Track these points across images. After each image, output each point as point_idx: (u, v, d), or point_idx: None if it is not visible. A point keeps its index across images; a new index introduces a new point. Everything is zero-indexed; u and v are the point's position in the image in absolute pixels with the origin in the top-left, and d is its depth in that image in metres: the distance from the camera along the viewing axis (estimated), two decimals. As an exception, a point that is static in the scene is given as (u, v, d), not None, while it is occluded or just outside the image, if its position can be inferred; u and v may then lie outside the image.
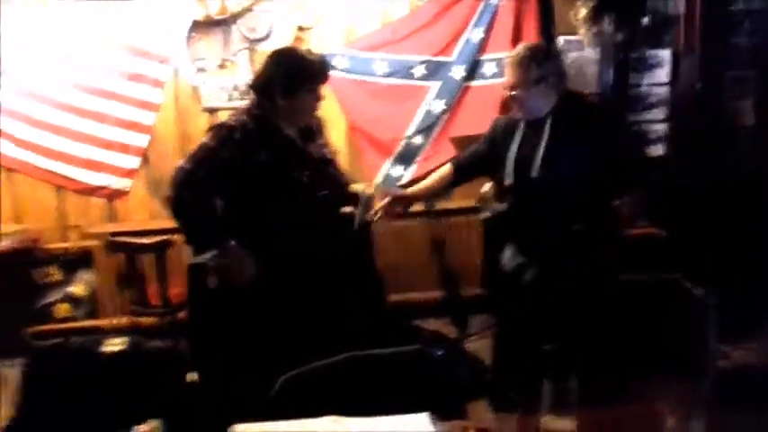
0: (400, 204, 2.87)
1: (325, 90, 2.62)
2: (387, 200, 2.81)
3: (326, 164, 2.63)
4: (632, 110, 4.20)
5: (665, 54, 4.30)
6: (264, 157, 2.42)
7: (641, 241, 3.69)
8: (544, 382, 1.54)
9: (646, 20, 4.34)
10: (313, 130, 2.63)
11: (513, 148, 2.64)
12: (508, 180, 2.65)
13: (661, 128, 4.33)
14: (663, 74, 4.31)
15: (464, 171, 2.85)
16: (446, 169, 2.92)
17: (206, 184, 2.40)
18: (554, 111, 2.56)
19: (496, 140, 2.74)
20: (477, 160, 2.81)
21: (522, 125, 2.64)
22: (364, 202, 2.63)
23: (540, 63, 2.53)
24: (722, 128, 4.47)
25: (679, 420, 1.49)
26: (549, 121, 2.56)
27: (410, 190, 3.00)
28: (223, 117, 4.26)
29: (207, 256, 2.47)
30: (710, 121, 4.41)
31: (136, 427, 1.44)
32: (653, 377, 2.50)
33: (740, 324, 3.91)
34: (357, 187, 2.73)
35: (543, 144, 2.54)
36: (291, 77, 2.44)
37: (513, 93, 2.56)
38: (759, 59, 4.43)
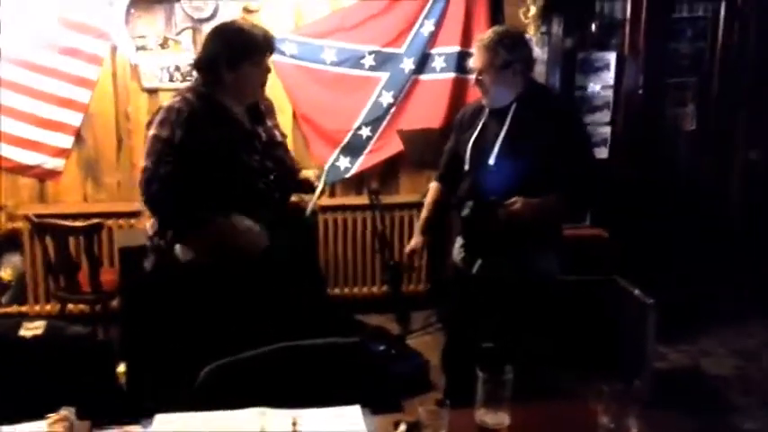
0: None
1: (272, 75, 2.58)
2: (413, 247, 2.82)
3: (275, 147, 2.58)
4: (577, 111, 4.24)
5: (611, 57, 4.36)
6: (212, 136, 2.36)
7: (584, 242, 3.73)
8: (479, 375, 1.50)
9: (593, 23, 4.40)
10: (262, 112, 2.58)
11: (474, 134, 2.62)
12: (465, 166, 2.62)
13: (605, 130, 4.38)
14: (608, 77, 4.37)
15: (449, 177, 2.79)
16: (434, 189, 2.88)
17: (171, 176, 2.32)
18: (518, 100, 2.55)
19: (462, 129, 2.72)
20: (453, 159, 2.75)
21: (485, 113, 2.62)
22: (318, 189, 2.59)
23: (508, 48, 2.51)
24: (664, 131, 4.57)
25: (613, 418, 1.47)
26: (511, 111, 2.54)
27: (417, 233, 2.90)
28: (164, 97, 4.22)
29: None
30: (653, 125, 4.51)
31: (48, 415, 1.34)
32: (590, 375, 2.52)
33: (679, 326, 4.02)
34: (308, 173, 2.68)
35: (503, 133, 2.52)
36: (236, 50, 2.40)
37: (480, 77, 2.54)
38: (700, 66, 4.55)
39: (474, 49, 2.59)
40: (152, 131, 2.36)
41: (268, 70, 2.52)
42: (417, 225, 2.92)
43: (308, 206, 2.59)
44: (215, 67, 2.41)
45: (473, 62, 2.58)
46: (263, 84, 2.52)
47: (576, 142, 2.57)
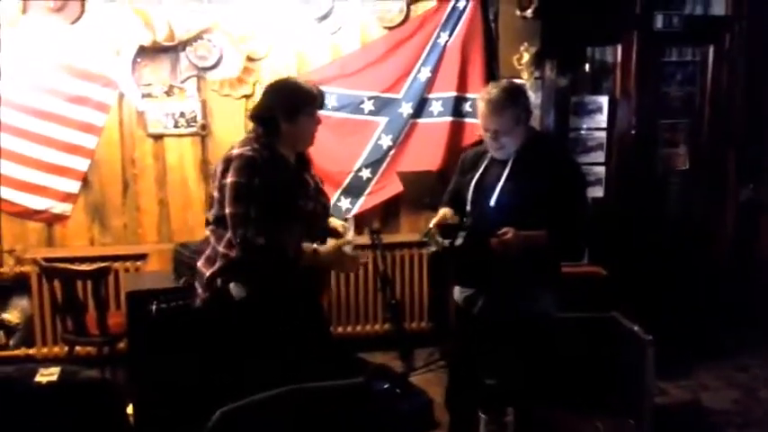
0: None
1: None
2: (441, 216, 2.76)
3: (320, 193, 2.75)
4: (572, 152, 4.34)
5: (604, 100, 4.49)
6: (276, 184, 2.51)
7: (582, 280, 3.79)
8: (480, 415, 1.57)
9: (586, 67, 4.54)
10: (306, 160, 2.76)
11: (476, 177, 2.71)
12: (467, 206, 2.71)
13: (600, 170, 4.49)
14: (601, 119, 4.49)
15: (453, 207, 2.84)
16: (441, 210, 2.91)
17: (262, 219, 2.46)
18: (521, 147, 2.65)
19: (464, 171, 2.81)
20: (453, 199, 2.83)
21: (487, 157, 2.72)
22: (347, 239, 2.73)
23: (517, 102, 2.61)
24: (657, 172, 4.67)
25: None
26: (513, 157, 2.64)
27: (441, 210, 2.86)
28: (169, 143, 4.33)
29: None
30: (646, 165, 4.61)
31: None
32: (590, 412, 2.57)
33: (678, 361, 4.07)
34: (336, 222, 2.84)
35: (505, 176, 2.62)
36: (293, 103, 2.59)
37: (494, 135, 2.60)
38: (690, 108, 4.67)
39: (483, 110, 2.63)
40: (231, 179, 2.47)
41: (319, 121, 2.69)
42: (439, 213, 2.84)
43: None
44: (273, 119, 2.58)
45: (485, 122, 2.63)
46: (314, 134, 2.68)
47: (570, 187, 2.67)
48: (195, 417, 1.88)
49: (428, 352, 4.40)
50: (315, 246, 2.55)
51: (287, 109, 2.58)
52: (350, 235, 2.75)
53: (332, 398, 1.99)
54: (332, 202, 4.47)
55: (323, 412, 1.93)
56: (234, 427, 1.82)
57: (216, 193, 2.58)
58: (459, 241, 2.62)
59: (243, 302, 2.53)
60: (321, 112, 4.48)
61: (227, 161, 2.53)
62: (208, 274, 2.58)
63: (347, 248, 2.64)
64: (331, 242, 2.64)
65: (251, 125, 4.39)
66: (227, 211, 2.47)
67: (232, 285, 2.54)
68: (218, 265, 2.56)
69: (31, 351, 4.24)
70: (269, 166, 2.51)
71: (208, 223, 2.68)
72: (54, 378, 2.02)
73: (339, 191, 4.49)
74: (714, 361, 4.29)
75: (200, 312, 2.64)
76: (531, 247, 2.53)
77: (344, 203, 4.50)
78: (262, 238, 2.44)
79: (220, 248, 2.56)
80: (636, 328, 2.88)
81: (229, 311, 2.54)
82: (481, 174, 2.72)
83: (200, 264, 2.65)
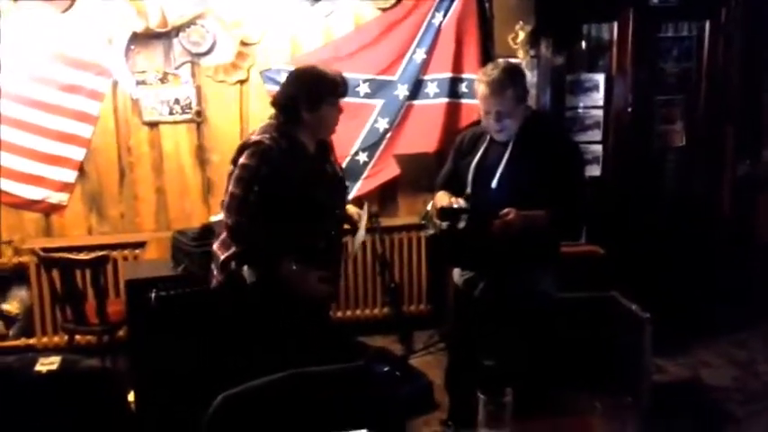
0: None
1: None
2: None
3: (339, 182, 2.74)
4: (569, 131, 4.33)
5: (600, 78, 4.47)
6: (292, 173, 2.51)
7: (580, 259, 3.80)
8: (479, 396, 1.57)
9: (582, 45, 4.51)
10: (328, 148, 2.74)
11: (476, 158, 2.70)
12: (467, 189, 2.70)
13: (597, 149, 4.48)
14: (598, 97, 4.47)
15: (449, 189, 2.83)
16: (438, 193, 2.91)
17: (256, 207, 2.47)
18: (521, 127, 2.63)
19: (462, 154, 2.79)
20: (450, 181, 2.82)
21: (486, 138, 2.70)
22: (360, 231, 2.77)
23: (518, 82, 2.59)
24: (654, 149, 4.66)
25: (614, 432, 1.54)
26: (513, 138, 2.63)
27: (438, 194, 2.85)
28: (165, 130, 4.31)
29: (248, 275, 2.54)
30: (643, 143, 4.60)
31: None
32: (589, 391, 2.58)
33: (677, 339, 4.08)
34: (351, 210, 2.84)
35: (506, 157, 2.61)
36: (316, 92, 2.57)
37: (499, 119, 2.58)
38: (687, 84, 4.65)
39: (484, 92, 2.59)
40: (241, 161, 2.49)
41: (341, 110, 2.66)
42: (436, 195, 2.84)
43: (352, 246, 2.75)
44: (295, 107, 2.56)
45: (486, 105, 2.60)
46: (336, 122, 2.66)
47: (571, 169, 2.66)
48: (196, 403, 1.89)
49: (427, 334, 4.42)
50: (293, 265, 2.51)
51: (309, 98, 2.56)
52: (362, 223, 2.76)
53: (332, 382, 1.99)
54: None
55: (323, 396, 1.93)
56: (235, 412, 1.83)
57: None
58: (462, 224, 2.62)
59: (253, 286, 2.55)
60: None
61: (244, 147, 2.54)
62: (223, 257, 2.59)
63: (357, 239, 2.67)
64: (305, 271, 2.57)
65: (246, 111, 4.44)
66: (229, 189, 2.49)
67: (245, 269, 2.55)
68: (233, 248, 2.57)
69: (32, 341, 4.26)
70: (286, 156, 2.51)
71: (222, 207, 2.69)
72: (54, 367, 2.03)
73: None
74: (712, 338, 4.30)
75: (213, 295, 2.65)
76: (532, 227, 2.53)
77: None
78: (252, 228, 2.45)
79: None
80: (634, 306, 2.89)
81: (241, 295, 2.56)
82: (481, 156, 2.70)
83: (215, 247, 2.68)
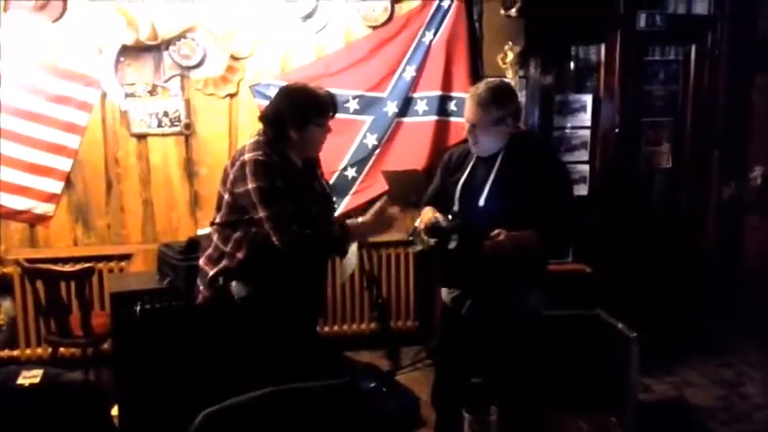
0: None
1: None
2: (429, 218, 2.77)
3: (327, 199, 2.75)
4: (556, 151, 4.36)
5: (587, 99, 4.51)
6: (287, 186, 2.50)
7: (566, 277, 3.81)
8: (464, 415, 1.57)
9: (570, 65, 4.56)
10: (314, 164, 2.74)
11: (464, 176, 2.70)
12: (455, 207, 2.70)
13: (584, 168, 4.51)
14: (585, 118, 4.52)
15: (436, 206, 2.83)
16: (424, 209, 2.92)
17: (295, 215, 2.48)
18: (507, 147, 2.64)
19: (450, 171, 2.80)
20: (437, 198, 2.82)
21: (473, 157, 2.71)
22: (353, 255, 2.76)
23: (501, 105, 2.59)
24: (640, 170, 4.71)
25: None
26: (500, 155, 2.63)
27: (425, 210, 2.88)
28: (153, 142, 4.30)
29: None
30: (629, 163, 4.64)
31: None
32: (575, 410, 2.58)
33: (663, 358, 4.10)
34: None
35: (493, 175, 2.61)
36: (303, 112, 2.55)
37: (473, 130, 2.62)
38: (673, 107, 4.71)
39: (467, 102, 2.64)
40: (253, 185, 2.46)
41: (329, 130, 2.66)
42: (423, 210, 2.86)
43: (346, 271, 2.77)
44: (281, 125, 2.56)
45: (466, 114, 2.64)
46: (323, 142, 2.66)
47: (558, 189, 2.67)
48: (180, 418, 1.87)
49: (415, 351, 4.41)
50: (359, 219, 2.61)
51: (297, 117, 2.55)
52: (352, 250, 2.78)
53: (317, 398, 1.98)
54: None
55: (308, 413, 1.92)
56: (217, 429, 1.82)
57: (227, 197, 2.56)
58: (452, 245, 2.62)
59: (243, 301, 2.54)
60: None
61: (242, 167, 2.50)
62: (211, 273, 2.58)
63: (346, 266, 2.69)
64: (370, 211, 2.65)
65: (235, 124, 4.44)
66: (262, 215, 2.45)
67: (234, 284, 2.54)
68: (222, 264, 2.56)
69: (15, 353, 4.21)
70: (279, 169, 2.51)
71: (212, 224, 2.67)
72: (36, 380, 2.00)
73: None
74: (699, 357, 4.33)
75: (199, 310, 2.64)
76: (521, 248, 2.54)
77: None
78: (306, 230, 2.46)
79: (227, 249, 2.57)
80: (620, 325, 2.89)
81: (229, 310, 2.55)
82: (469, 173, 2.71)
83: (201, 262, 2.67)
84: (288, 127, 2.55)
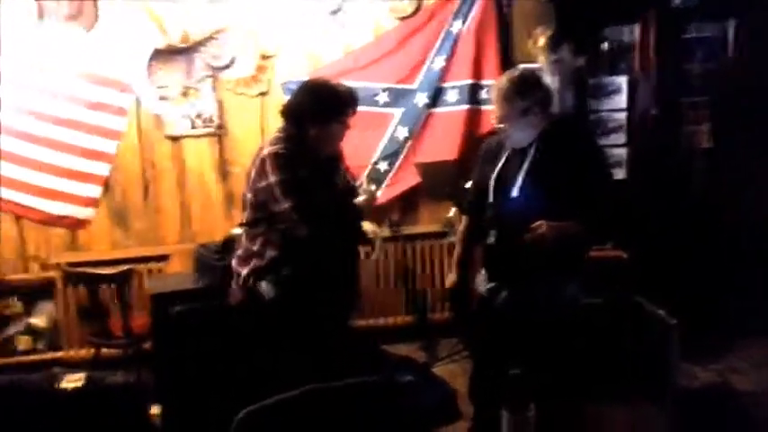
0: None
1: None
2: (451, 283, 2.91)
3: (351, 193, 2.73)
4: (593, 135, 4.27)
5: (622, 81, 4.41)
6: (307, 179, 2.51)
7: (604, 264, 3.75)
8: (501, 411, 1.55)
9: (604, 47, 4.46)
10: (336, 158, 2.74)
11: (497, 167, 2.68)
12: (489, 198, 2.68)
13: (621, 152, 4.42)
14: (621, 100, 4.42)
15: (476, 209, 2.83)
16: (464, 223, 2.95)
17: (314, 204, 2.49)
18: (540, 136, 2.60)
19: (486, 162, 2.77)
20: (478, 191, 2.80)
21: (508, 146, 2.69)
22: (376, 246, 2.80)
23: (525, 95, 2.55)
24: (680, 151, 4.58)
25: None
26: (534, 145, 2.60)
27: (453, 269, 2.96)
28: (187, 144, 4.34)
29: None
30: (668, 145, 4.52)
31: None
32: (615, 400, 2.54)
33: (705, 344, 4.00)
34: (366, 226, 2.84)
35: (526, 166, 2.58)
36: (324, 108, 2.57)
37: (501, 125, 2.60)
38: (712, 85, 4.57)
39: (492, 98, 2.63)
40: (275, 179, 2.48)
41: (348, 126, 2.65)
42: (453, 262, 2.97)
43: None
44: (301, 120, 2.57)
45: (493, 109, 2.63)
46: (342, 138, 2.66)
47: (595, 173, 2.62)
48: (221, 417, 1.89)
49: (451, 342, 4.39)
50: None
51: (317, 114, 2.56)
52: (378, 243, 2.78)
53: (355, 394, 1.98)
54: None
55: (346, 409, 1.92)
56: (258, 428, 1.83)
57: (250, 195, 2.57)
58: (491, 239, 2.60)
59: (273, 301, 2.55)
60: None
61: (262, 163, 2.52)
62: (243, 273, 2.60)
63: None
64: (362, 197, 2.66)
65: (267, 123, 4.46)
66: (285, 206, 2.46)
67: (263, 284, 2.56)
68: (252, 264, 2.58)
69: (59, 354, 4.30)
70: (299, 161, 2.51)
71: (241, 224, 2.69)
72: (79, 384, 2.04)
73: (357, 184, 4.48)
74: (741, 343, 4.21)
75: (234, 311, 2.66)
76: (564, 238, 2.50)
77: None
78: (329, 214, 2.48)
79: (254, 248, 2.58)
80: (660, 311, 2.83)
81: (261, 310, 2.56)
82: (503, 164, 2.68)
83: (234, 263, 2.69)
84: (308, 122, 2.56)
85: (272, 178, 2.47)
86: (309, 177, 2.50)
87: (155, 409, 3.24)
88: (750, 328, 4.35)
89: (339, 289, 2.67)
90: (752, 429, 3.35)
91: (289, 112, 2.63)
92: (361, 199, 2.68)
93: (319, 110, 2.55)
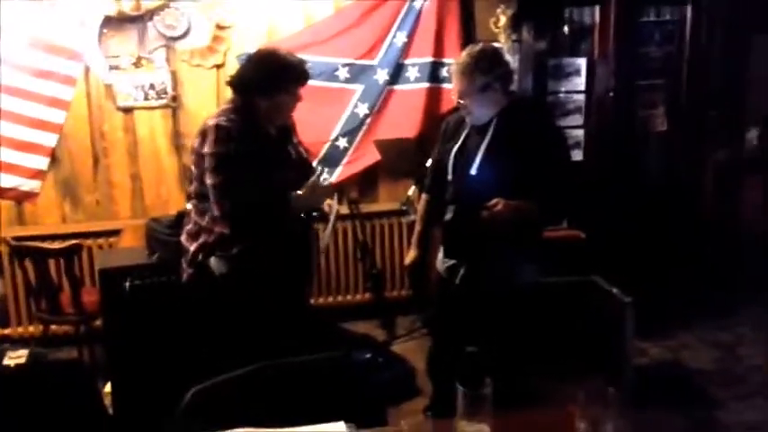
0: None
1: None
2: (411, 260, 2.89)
3: (304, 164, 2.69)
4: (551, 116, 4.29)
5: (581, 62, 4.44)
6: (252, 151, 2.46)
7: (561, 244, 3.78)
8: (458, 387, 1.54)
9: (564, 29, 4.47)
10: (288, 130, 2.68)
11: (457, 145, 2.67)
12: (448, 176, 2.67)
13: (578, 133, 4.46)
14: (579, 82, 4.45)
15: (436, 187, 2.82)
16: (424, 202, 2.94)
17: (240, 189, 2.43)
18: (500, 114, 2.59)
19: (446, 140, 2.76)
20: (438, 169, 2.79)
21: (467, 124, 2.68)
22: (330, 220, 2.75)
23: (486, 71, 2.54)
24: (636, 133, 4.65)
25: (591, 423, 1.51)
26: (493, 123, 2.59)
27: (413, 247, 2.95)
28: (139, 116, 4.22)
29: None
30: (625, 127, 4.57)
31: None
32: (571, 378, 2.57)
33: (658, 322, 4.09)
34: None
35: (485, 144, 2.57)
36: (271, 78, 2.51)
37: (461, 100, 2.58)
38: (668, 69, 4.63)
39: (453, 73, 2.61)
40: (208, 150, 2.43)
41: (299, 98, 2.60)
42: (413, 239, 2.98)
43: (323, 237, 2.73)
44: (249, 91, 2.52)
45: (453, 85, 2.61)
46: (292, 110, 2.60)
47: (554, 153, 2.62)
48: (172, 394, 1.84)
49: (410, 320, 4.40)
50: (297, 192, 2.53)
51: (266, 84, 2.51)
52: (332, 216, 2.74)
53: (311, 371, 1.95)
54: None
55: (302, 386, 1.89)
56: (208, 406, 1.79)
57: (193, 168, 2.53)
58: (448, 216, 2.59)
59: (224, 278, 2.50)
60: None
61: (203, 133, 2.48)
62: (192, 249, 2.54)
63: (325, 237, 2.66)
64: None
65: (223, 95, 4.36)
66: (209, 182, 2.43)
67: (212, 260, 2.51)
68: (201, 239, 2.52)
69: (7, 331, 4.16)
70: (244, 137, 2.46)
71: (189, 198, 2.63)
72: (22, 360, 1.96)
73: (316, 161, 4.41)
74: (696, 322, 4.31)
75: (185, 288, 2.60)
76: (520, 217, 2.50)
77: (322, 174, 4.44)
78: (242, 208, 2.41)
79: (203, 223, 2.53)
80: (615, 290, 2.87)
81: (211, 287, 2.51)
82: (462, 141, 2.67)
83: (183, 239, 2.63)
84: (255, 94, 2.51)
85: (207, 149, 2.44)
86: (250, 152, 2.44)
87: (107, 388, 3.17)
88: (706, 308, 4.47)
89: (292, 265, 2.63)
90: (703, 406, 3.43)
91: (236, 83, 2.58)
92: (308, 186, 2.63)
93: (267, 81, 2.51)
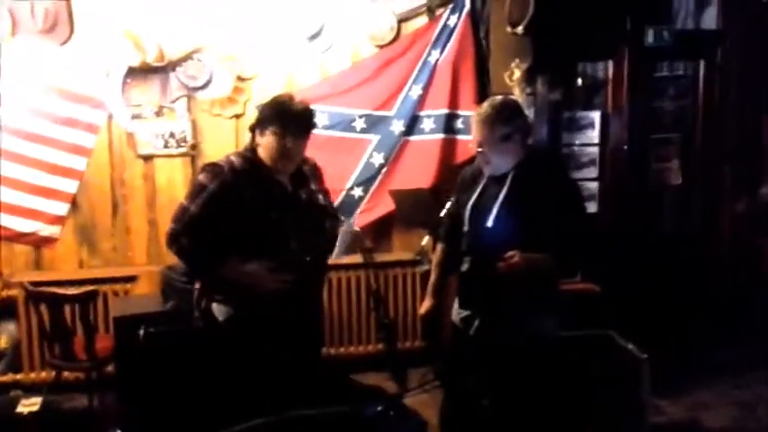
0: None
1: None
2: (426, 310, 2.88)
3: (316, 209, 2.70)
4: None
5: (596, 115, 4.47)
6: (246, 194, 2.52)
7: (576, 297, 3.75)
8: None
9: (578, 82, 4.52)
10: (305, 175, 2.71)
11: (474, 196, 2.68)
12: (465, 227, 2.68)
13: (593, 186, 4.46)
14: (593, 134, 4.48)
15: (452, 238, 2.82)
16: (439, 251, 2.94)
17: (197, 217, 2.50)
18: (518, 166, 2.62)
19: (463, 191, 2.78)
20: (454, 220, 2.80)
21: (485, 175, 2.70)
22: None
23: (506, 121, 2.57)
24: (650, 187, 4.65)
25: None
26: (511, 175, 2.61)
27: (428, 296, 2.94)
28: (159, 164, 4.29)
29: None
30: (639, 181, 4.58)
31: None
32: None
33: (675, 379, 4.02)
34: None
35: (502, 196, 2.59)
36: (263, 117, 2.60)
37: (480, 150, 2.61)
38: (682, 123, 4.65)
39: (473, 123, 2.64)
40: (197, 178, 2.58)
41: (284, 145, 2.56)
42: (428, 288, 2.96)
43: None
44: (252, 131, 2.63)
45: (473, 135, 2.63)
46: (287, 155, 2.59)
47: (570, 206, 2.63)
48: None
49: (422, 372, 4.35)
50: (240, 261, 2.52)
51: (258, 122, 2.61)
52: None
53: (321, 425, 1.94)
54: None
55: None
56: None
57: None
58: (464, 267, 2.59)
59: (227, 323, 2.49)
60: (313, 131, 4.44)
61: (202, 168, 2.63)
62: (195, 294, 2.55)
63: None
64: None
65: (241, 145, 4.42)
66: (181, 203, 2.57)
67: (214, 306, 2.49)
68: (199, 283, 2.54)
69: (18, 377, 4.16)
70: (241, 176, 2.52)
71: None
72: (36, 408, 1.96)
73: (331, 210, 4.46)
74: (712, 379, 4.23)
75: (195, 334, 2.61)
76: (536, 270, 2.50)
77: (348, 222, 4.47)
78: (186, 238, 2.49)
79: None
80: (630, 346, 2.84)
81: (216, 333, 2.50)
82: (479, 193, 2.69)
83: (196, 285, 2.64)
84: (254, 132, 2.62)
85: (196, 179, 2.58)
86: (256, 191, 2.51)
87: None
88: (723, 364, 4.39)
89: (294, 310, 2.60)
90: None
91: (251, 126, 2.69)
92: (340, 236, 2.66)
93: (258, 120, 2.61)
